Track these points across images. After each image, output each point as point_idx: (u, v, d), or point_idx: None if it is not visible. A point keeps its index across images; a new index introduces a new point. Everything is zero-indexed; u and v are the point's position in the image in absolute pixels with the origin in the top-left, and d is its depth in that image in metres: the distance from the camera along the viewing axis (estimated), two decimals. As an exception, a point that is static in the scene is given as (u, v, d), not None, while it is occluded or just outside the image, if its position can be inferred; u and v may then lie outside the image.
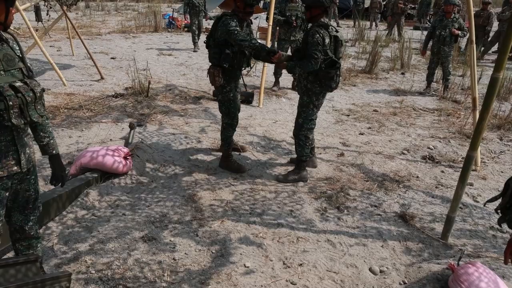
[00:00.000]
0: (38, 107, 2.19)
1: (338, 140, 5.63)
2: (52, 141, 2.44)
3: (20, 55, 2.22)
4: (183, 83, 8.09)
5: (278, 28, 7.62)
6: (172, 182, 4.21)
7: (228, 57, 4.01)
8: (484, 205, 3.51)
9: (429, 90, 8.24)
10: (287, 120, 6.30)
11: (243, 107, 5.93)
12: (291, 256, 3.19)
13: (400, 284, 2.96)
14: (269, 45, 7.29)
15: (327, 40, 3.85)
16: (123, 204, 3.78)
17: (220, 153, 4.72)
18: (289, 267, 3.07)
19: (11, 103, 2.05)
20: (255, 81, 8.40)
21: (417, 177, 4.62)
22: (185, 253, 3.13)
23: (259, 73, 7.92)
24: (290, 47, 7.42)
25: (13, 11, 2.17)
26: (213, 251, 3.18)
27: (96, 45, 12.00)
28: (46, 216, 3.43)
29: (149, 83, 7.10)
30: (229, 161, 4.53)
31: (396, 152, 5.29)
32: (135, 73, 7.46)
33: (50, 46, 11.36)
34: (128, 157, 4.21)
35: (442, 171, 4.79)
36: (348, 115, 6.71)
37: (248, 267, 3.04)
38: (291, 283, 2.91)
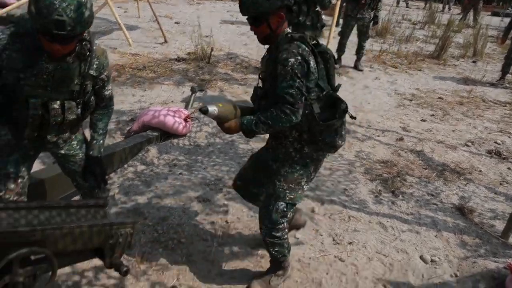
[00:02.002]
0: (64, 128, 2.23)
1: (398, 124, 5.46)
2: (101, 142, 2.45)
3: (92, 73, 2.17)
4: (244, 52, 8.09)
5: (345, 4, 7.39)
6: (228, 148, 4.28)
7: None
8: None
9: (502, 82, 7.73)
10: (346, 99, 6.11)
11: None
12: (341, 233, 3.18)
13: (451, 276, 2.88)
14: (335, 21, 7.10)
15: (312, 64, 2.16)
16: (180, 164, 3.89)
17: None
18: (338, 243, 3.07)
19: (31, 120, 2.08)
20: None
21: (480, 171, 4.41)
22: (238, 218, 3.20)
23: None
24: (356, 25, 7.16)
25: None
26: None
27: (161, 9, 12.20)
28: (110, 167, 3.60)
29: (212, 49, 7.16)
30: None
31: (459, 143, 5.06)
32: (199, 39, 7.54)
33: (118, 7, 11.68)
34: (188, 120, 4.31)
35: (509, 168, 4.54)
36: (411, 100, 6.47)
37: (297, 238, 3.06)
38: (339, 259, 2.91)
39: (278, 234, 2.40)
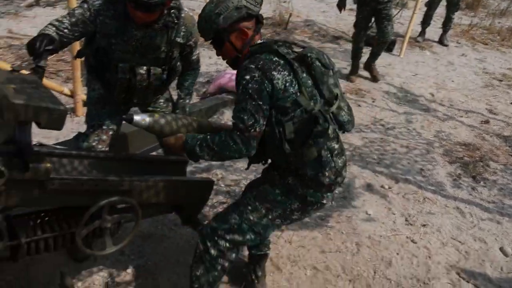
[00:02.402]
0: (150, 91, 2.30)
1: (484, 106, 5.08)
2: (187, 101, 2.53)
3: (180, 41, 2.22)
4: (322, 20, 7.85)
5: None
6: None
7: None
8: None
9: None
10: (428, 75, 5.82)
11: (382, 54, 5.57)
12: (415, 214, 3.06)
13: (534, 272, 2.70)
14: None
15: (280, 78, 1.72)
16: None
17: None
18: (411, 224, 2.96)
19: (119, 83, 2.17)
20: (398, 28, 7.83)
21: None
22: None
23: (404, 20, 7.34)
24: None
25: None
26: (336, 192, 3.17)
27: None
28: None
29: (290, 15, 7.01)
30: None
31: (553, 131, 4.63)
32: (277, 4, 7.40)
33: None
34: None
35: None
36: (501, 81, 5.97)
37: (369, 214, 3.00)
38: (411, 240, 2.82)
39: (213, 252, 1.88)
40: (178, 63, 2.35)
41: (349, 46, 6.43)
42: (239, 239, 1.87)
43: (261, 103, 1.68)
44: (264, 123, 1.71)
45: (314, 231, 2.79)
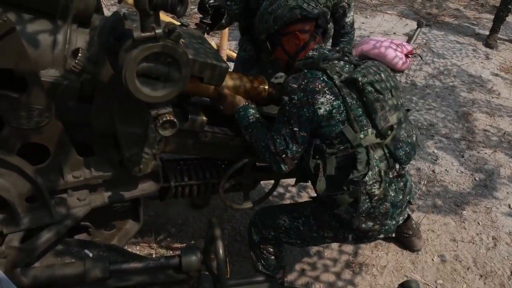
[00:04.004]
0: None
1: None
2: None
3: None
4: (483, -14, 7.00)
5: None
6: (447, 94, 3.91)
7: None
8: None
9: None
10: None
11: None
12: None
13: None
14: None
15: (326, 102, 1.53)
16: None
17: None
18: None
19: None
20: None
21: None
22: (446, 170, 2.99)
23: None
24: None
25: None
26: (477, 179, 2.93)
27: None
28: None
29: (446, -21, 6.37)
30: None
31: None
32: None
33: None
34: (409, 56, 4.03)
35: None
36: None
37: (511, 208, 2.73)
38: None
39: (255, 237, 1.88)
40: (330, 24, 2.29)
41: (510, 19, 5.67)
42: (284, 239, 1.82)
43: (297, 129, 1.54)
44: (300, 150, 1.57)
45: (447, 216, 2.63)
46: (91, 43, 1.39)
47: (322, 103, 1.52)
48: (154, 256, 2.20)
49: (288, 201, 2.66)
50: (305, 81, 1.53)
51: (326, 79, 1.54)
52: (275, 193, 2.17)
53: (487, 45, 4.80)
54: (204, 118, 1.66)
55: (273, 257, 1.86)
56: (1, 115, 1.27)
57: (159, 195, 1.87)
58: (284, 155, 1.57)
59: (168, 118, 1.26)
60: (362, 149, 1.53)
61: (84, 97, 1.44)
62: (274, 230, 1.80)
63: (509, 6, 4.66)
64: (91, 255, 1.50)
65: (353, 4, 2.30)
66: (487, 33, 4.93)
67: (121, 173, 1.55)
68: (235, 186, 1.97)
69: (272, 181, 2.08)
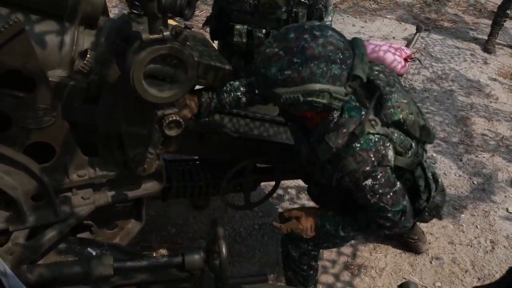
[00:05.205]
0: None
1: None
2: None
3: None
4: (481, -8, 7.06)
5: None
6: (446, 98, 3.95)
7: None
8: None
9: None
10: None
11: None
12: None
13: None
14: None
15: (392, 160, 1.48)
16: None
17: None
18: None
19: (236, 48, 1.95)
20: None
21: None
22: (444, 173, 3.01)
23: None
24: None
25: None
26: (475, 182, 2.97)
27: None
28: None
29: (445, -15, 6.42)
30: None
31: None
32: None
33: None
34: (408, 60, 4.07)
35: None
36: None
37: (510, 212, 2.75)
38: (558, 250, 2.53)
39: (294, 254, 1.82)
40: None
41: (508, 24, 5.72)
42: (323, 245, 1.81)
43: (397, 188, 1.48)
44: (407, 198, 1.53)
45: (445, 220, 2.65)
46: (98, 44, 1.41)
47: (390, 156, 1.47)
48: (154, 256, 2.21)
49: (287, 203, 2.69)
50: (371, 155, 1.41)
51: (378, 136, 1.43)
52: (274, 194, 2.21)
53: (485, 50, 4.85)
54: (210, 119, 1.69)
55: (311, 271, 1.87)
56: (9, 114, 1.29)
57: (161, 195, 1.89)
58: (403, 217, 1.51)
59: (174, 118, 1.28)
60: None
61: (90, 98, 1.46)
62: (312, 239, 1.71)
63: (507, 12, 4.70)
64: (94, 253, 1.52)
65: (331, 7, 2.19)
66: (485, 38, 4.98)
67: (125, 172, 1.57)
68: (235, 187, 2.00)
69: (273, 183, 2.11)
